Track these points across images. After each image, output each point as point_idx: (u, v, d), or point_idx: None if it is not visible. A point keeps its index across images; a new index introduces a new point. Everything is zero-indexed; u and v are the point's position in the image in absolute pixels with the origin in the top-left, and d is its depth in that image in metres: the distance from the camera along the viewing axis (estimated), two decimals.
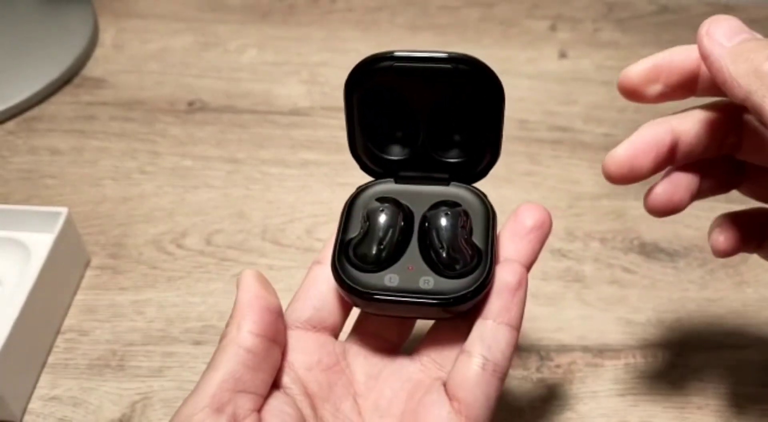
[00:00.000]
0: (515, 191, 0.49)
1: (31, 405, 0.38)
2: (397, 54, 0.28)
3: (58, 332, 0.41)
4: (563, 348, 0.41)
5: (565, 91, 0.57)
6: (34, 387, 0.39)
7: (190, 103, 0.56)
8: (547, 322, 0.42)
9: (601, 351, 0.41)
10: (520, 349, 0.41)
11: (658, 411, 0.39)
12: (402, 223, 0.29)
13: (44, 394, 0.39)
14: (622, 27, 0.64)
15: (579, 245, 0.46)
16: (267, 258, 0.45)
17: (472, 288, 0.27)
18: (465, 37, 0.63)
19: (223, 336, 0.26)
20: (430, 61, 0.28)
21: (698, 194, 0.32)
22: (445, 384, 0.27)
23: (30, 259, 0.41)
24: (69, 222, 0.42)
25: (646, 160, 0.29)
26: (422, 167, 0.31)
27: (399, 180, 0.31)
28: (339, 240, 0.29)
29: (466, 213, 0.29)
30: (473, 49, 0.61)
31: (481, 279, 0.27)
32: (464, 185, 0.31)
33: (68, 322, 0.42)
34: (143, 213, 0.48)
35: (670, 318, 0.43)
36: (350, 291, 0.27)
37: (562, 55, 0.61)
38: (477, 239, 0.29)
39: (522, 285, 0.28)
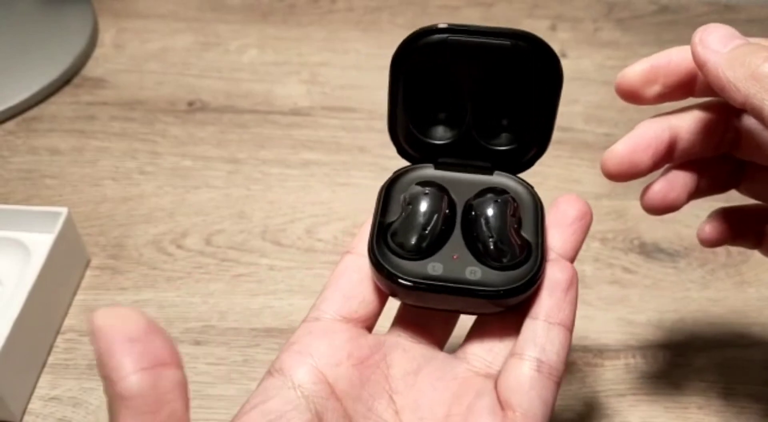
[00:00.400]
0: None
1: (31, 406, 0.38)
2: (448, 26, 0.26)
3: (58, 332, 0.41)
4: None
5: (566, 91, 0.57)
6: (34, 387, 0.39)
7: (191, 103, 0.56)
8: None
9: (601, 351, 0.41)
10: None
11: (659, 411, 0.39)
12: (447, 210, 0.27)
13: (44, 394, 0.39)
14: (623, 27, 0.64)
15: None
16: (267, 259, 0.45)
17: (523, 282, 0.25)
18: None
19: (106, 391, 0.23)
20: (488, 35, 0.26)
21: (696, 193, 0.31)
22: (496, 388, 0.26)
23: (30, 259, 0.41)
24: (69, 223, 0.42)
25: (644, 157, 0.29)
26: (465, 153, 0.28)
27: (439, 166, 0.29)
28: (377, 224, 0.27)
29: (515, 202, 0.27)
30: None
31: (532, 273, 0.25)
32: (509, 175, 0.29)
33: (68, 322, 0.42)
34: (143, 213, 0.48)
35: (670, 319, 0.43)
36: (390, 278, 0.25)
37: (563, 54, 0.61)
38: (525, 230, 0.27)
39: (574, 283, 0.26)
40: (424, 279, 0.25)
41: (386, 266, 0.25)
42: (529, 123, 0.28)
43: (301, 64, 0.60)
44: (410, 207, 0.27)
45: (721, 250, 0.46)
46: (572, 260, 0.28)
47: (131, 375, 0.21)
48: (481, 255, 0.26)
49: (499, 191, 0.28)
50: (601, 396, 0.39)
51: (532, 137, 0.28)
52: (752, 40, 0.26)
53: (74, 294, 0.43)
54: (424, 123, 0.29)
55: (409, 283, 0.25)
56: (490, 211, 0.26)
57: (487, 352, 0.27)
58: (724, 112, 0.29)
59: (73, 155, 0.52)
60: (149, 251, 0.46)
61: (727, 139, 0.30)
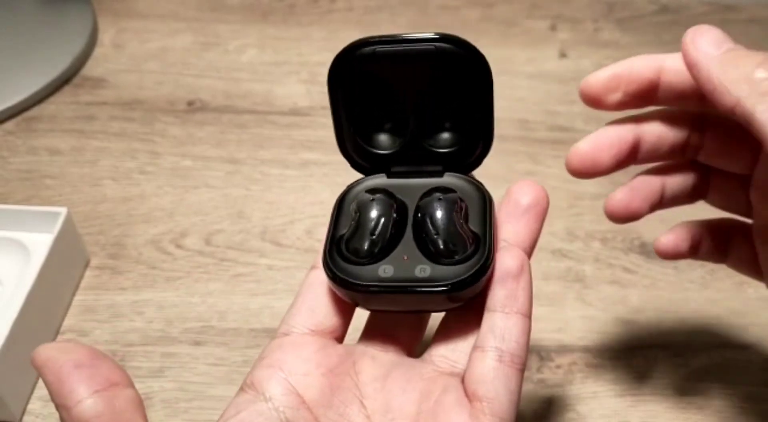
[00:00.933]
0: None
1: (30, 406, 0.38)
2: (376, 38, 0.27)
3: (57, 332, 0.41)
4: (564, 349, 0.41)
5: (566, 91, 0.57)
6: (34, 387, 0.39)
7: (190, 103, 0.56)
8: (547, 322, 0.42)
9: (601, 352, 0.41)
10: None
11: (659, 411, 0.39)
12: (395, 215, 0.28)
13: (44, 395, 0.39)
14: (622, 27, 0.64)
15: (579, 245, 0.46)
16: (267, 259, 0.45)
17: (470, 273, 0.25)
18: (465, 37, 0.62)
19: None
20: (411, 42, 0.27)
21: (661, 203, 0.32)
22: (462, 383, 0.26)
23: (30, 259, 0.41)
24: (68, 223, 0.42)
25: (606, 156, 0.29)
26: (414, 160, 0.29)
27: (391, 175, 0.30)
28: (330, 237, 0.28)
29: (461, 199, 0.28)
30: None
31: (479, 264, 0.26)
32: (458, 175, 0.29)
33: (68, 322, 0.42)
34: (143, 213, 0.48)
35: (670, 319, 0.43)
36: (342, 284, 0.26)
37: (563, 54, 0.61)
38: (474, 225, 0.27)
39: (524, 270, 0.26)
40: (375, 281, 0.26)
41: (338, 273, 0.26)
42: (469, 122, 0.29)
43: (300, 64, 0.60)
44: (358, 214, 0.28)
45: None
46: (530, 249, 0.28)
47: (86, 399, 0.22)
48: (430, 253, 0.27)
49: (444, 190, 0.28)
50: (602, 397, 0.39)
51: (475, 136, 0.29)
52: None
53: (74, 294, 0.43)
54: (370, 134, 0.30)
55: (360, 287, 0.26)
56: (435, 210, 0.27)
57: (452, 352, 0.28)
58: (689, 117, 0.30)
59: (72, 155, 0.52)
60: (149, 251, 0.46)
61: (691, 144, 0.30)
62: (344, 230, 0.28)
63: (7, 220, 0.42)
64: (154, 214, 0.48)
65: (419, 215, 0.28)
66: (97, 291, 0.44)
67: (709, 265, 0.45)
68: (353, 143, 0.30)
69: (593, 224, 0.48)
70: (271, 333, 0.41)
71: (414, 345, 0.29)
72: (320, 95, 0.56)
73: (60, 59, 0.57)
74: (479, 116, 0.28)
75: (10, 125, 0.54)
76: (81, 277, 0.44)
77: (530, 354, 0.41)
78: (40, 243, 0.41)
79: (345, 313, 0.28)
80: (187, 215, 0.48)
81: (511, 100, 0.56)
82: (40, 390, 0.39)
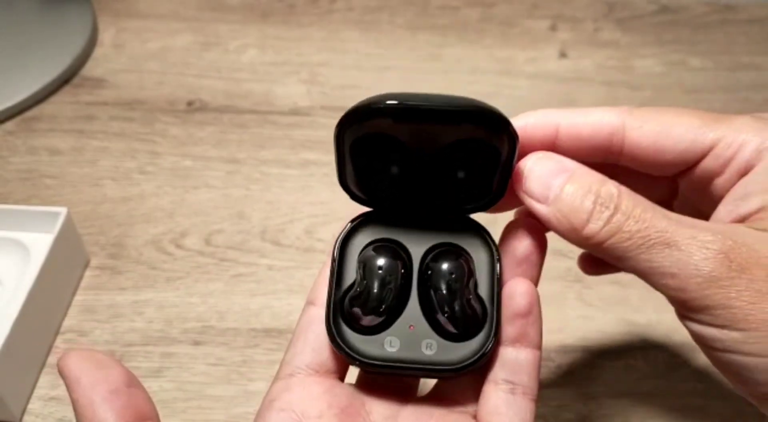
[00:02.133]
0: None
1: (30, 406, 0.38)
2: (392, 103, 0.25)
3: (57, 332, 0.41)
4: (564, 349, 0.41)
5: (566, 91, 0.57)
6: (34, 387, 0.39)
7: (190, 103, 0.56)
8: (547, 322, 0.42)
9: (601, 352, 0.41)
10: None
11: (659, 411, 0.39)
12: (401, 280, 0.27)
13: (44, 394, 0.39)
14: (623, 27, 0.64)
15: None
16: (267, 259, 0.45)
17: (477, 357, 0.26)
18: (465, 37, 0.63)
19: None
20: (433, 115, 0.25)
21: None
22: (474, 419, 0.26)
23: (29, 259, 0.41)
24: (68, 223, 0.42)
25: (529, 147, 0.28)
26: (420, 200, 0.28)
27: (392, 212, 0.28)
28: (332, 296, 0.27)
29: (468, 264, 0.27)
30: (473, 48, 0.61)
31: (487, 345, 0.26)
32: (465, 219, 0.28)
33: (68, 322, 0.42)
34: (143, 213, 0.48)
35: (670, 319, 0.43)
36: (347, 357, 0.26)
37: (563, 54, 0.61)
38: (482, 289, 0.27)
39: (534, 307, 0.26)
40: (381, 360, 0.26)
41: (343, 346, 0.26)
42: (485, 179, 0.27)
43: (300, 64, 0.60)
44: (365, 281, 0.27)
45: None
46: (537, 278, 0.28)
47: None
48: (437, 326, 0.26)
49: (452, 254, 0.27)
50: (602, 396, 0.39)
51: (489, 189, 0.27)
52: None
53: (74, 294, 0.43)
54: (374, 178, 0.28)
55: (364, 363, 0.26)
56: (441, 283, 0.26)
57: (458, 393, 0.28)
58: (608, 123, 0.27)
59: (72, 155, 0.52)
60: (149, 251, 0.46)
61: (615, 144, 0.28)
62: (347, 283, 0.27)
63: (7, 220, 0.42)
64: (154, 214, 0.48)
65: (427, 284, 0.27)
66: (97, 291, 0.44)
67: None
68: (356, 182, 0.28)
69: None
70: (271, 333, 0.42)
71: (416, 382, 0.29)
72: (320, 95, 0.56)
73: (60, 59, 0.57)
74: (498, 177, 0.27)
75: (10, 125, 0.54)
76: (81, 277, 0.44)
77: None
78: (40, 243, 0.41)
79: None
80: (187, 215, 0.48)
81: (511, 99, 0.56)
82: (40, 389, 0.39)
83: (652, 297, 0.44)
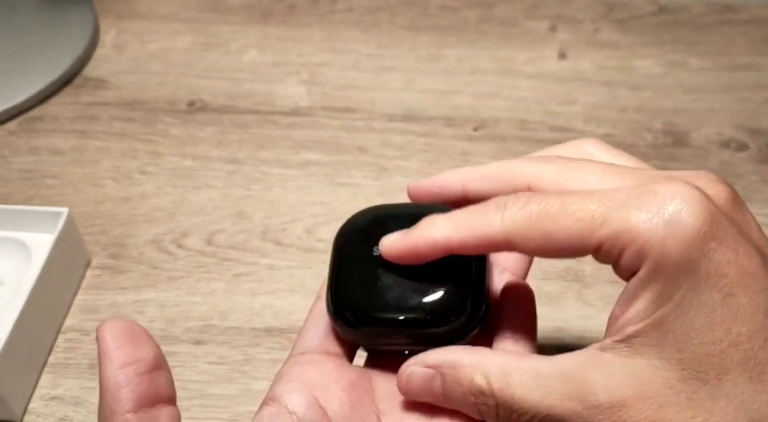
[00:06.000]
0: None
1: (31, 405, 0.38)
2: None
3: (58, 332, 0.42)
4: (563, 348, 0.41)
5: (565, 92, 0.58)
6: (35, 386, 0.39)
7: (191, 104, 0.56)
8: (546, 322, 0.42)
9: None
10: None
11: None
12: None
13: (45, 394, 0.39)
14: (622, 27, 0.64)
15: None
16: (268, 258, 0.46)
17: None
18: (465, 38, 0.63)
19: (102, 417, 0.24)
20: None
21: None
22: None
23: (31, 259, 0.41)
24: (70, 223, 0.42)
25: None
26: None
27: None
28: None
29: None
30: (473, 49, 0.61)
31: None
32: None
33: (69, 322, 0.42)
34: (144, 213, 0.48)
35: None
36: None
37: (562, 55, 0.61)
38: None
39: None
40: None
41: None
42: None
43: (301, 64, 0.60)
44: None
45: None
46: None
47: (130, 415, 0.23)
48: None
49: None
50: None
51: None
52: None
53: (75, 293, 0.43)
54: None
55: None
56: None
57: None
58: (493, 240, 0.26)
59: (73, 155, 0.52)
60: (150, 251, 0.46)
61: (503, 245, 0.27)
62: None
63: (9, 220, 0.43)
64: (155, 214, 0.48)
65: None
66: (98, 291, 0.44)
67: None
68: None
69: None
70: (273, 333, 0.42)
71: None
72: (321, 95, 0.57)
73: (61, 60, 0.57)
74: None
75: (11, 125, 0.54)
76: (82, 277, 0.44)
77: None
78: (41, 243, 0.42)
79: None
80: (188, 215, 0.48)
81: (511, 100, 0.56)
82: (42, 389, 0.39)
83: None
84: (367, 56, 0.61)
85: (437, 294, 0.27)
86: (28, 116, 0.55)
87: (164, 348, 0.40)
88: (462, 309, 0.27)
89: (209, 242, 0.46)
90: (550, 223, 0.24)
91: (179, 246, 0.46)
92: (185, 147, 0.53)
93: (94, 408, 0.38)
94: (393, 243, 0.27)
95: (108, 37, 0.62)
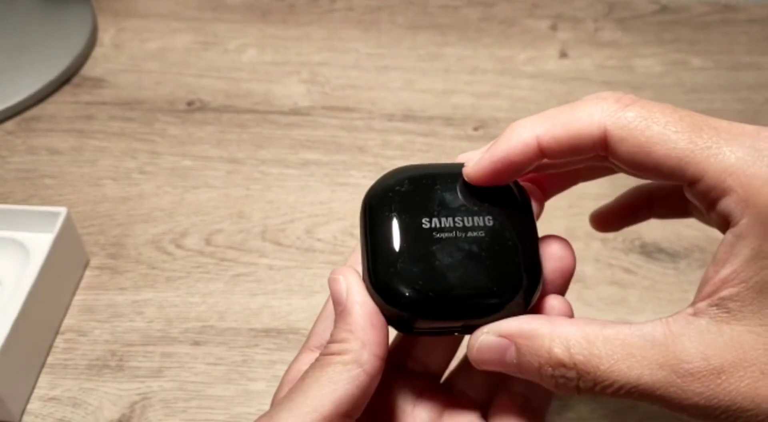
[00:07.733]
0: None
1: (30, 406, 0.38)
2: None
3: (57, 332, 0.41)
4: None
5: (566, 91, 0.57)
6: (33, 387, 0.39)
7: (190, 103, 0.56)
8: None
9: None
10: None
11: (658, 411, 0.38)
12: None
13: (43, 395, 0.39)
14: (623, 26, 0.64)
15: (580, 245, 0.46)
16: (267, 259, 0.45)
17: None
18: (465, 37, 0.62)
19: (337, 351, 0.24)
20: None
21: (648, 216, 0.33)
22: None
23: (29, 259, 0.41)
24: (68, 223, 0.42)
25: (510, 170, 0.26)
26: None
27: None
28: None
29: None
30: (474, 48, 0.61)
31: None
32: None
33: (67, 322, 0.42)
34: (143, 213, 0.48)
35: None
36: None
37: (563, 54, 0.61)
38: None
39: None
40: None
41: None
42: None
43: (300, 63, 0.59)
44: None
45: None
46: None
47: (376, 357, 0.24)
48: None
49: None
50: (601, 397, 0.39)
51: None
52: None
53: (73, 294, 0.43)
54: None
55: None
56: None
57: (469, 386, 0.28)
58: (589, 136, 0.24)
59: (72, 155, 0.52)
60: (148, 251, 0.46)
61: (600, 150, 0.25)
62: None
63: (7, 220, 0.42)
64: (153, 214, 0.48)
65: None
66: (96, 291, 0.44)
67: None
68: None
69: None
70: (271, 333, 0.42)
71: (442, 371, 0.29)
72: (320, 95, 0.56)
73: (60, 59, 0.57)
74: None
75: (9, 125, 0.54)
76: (81, 277, 0.44)
77: None
78: (39, 243, 0.41)
79: None
80: (187, 215, 0.48)
81: (511, 99, 0.56)
82: (40, 390, 0.39)
83: (651, 298, 0.44)
84: (366, 55, 0.60)
85: (499, 267, 0.25)
86: (26, 116, 0.55)
87: (162, 349, 0.41)
88: (525, 281, 0.25)
89: (208, 242, 0.46)
90: (654, 133, 0.22)
91: (178, 246, 0.46)
92: (184, 147, 0.52)
93: (93, 408, 0.38)
94: (479, 162, 0.24)
95: (106, 36, 0.62)
